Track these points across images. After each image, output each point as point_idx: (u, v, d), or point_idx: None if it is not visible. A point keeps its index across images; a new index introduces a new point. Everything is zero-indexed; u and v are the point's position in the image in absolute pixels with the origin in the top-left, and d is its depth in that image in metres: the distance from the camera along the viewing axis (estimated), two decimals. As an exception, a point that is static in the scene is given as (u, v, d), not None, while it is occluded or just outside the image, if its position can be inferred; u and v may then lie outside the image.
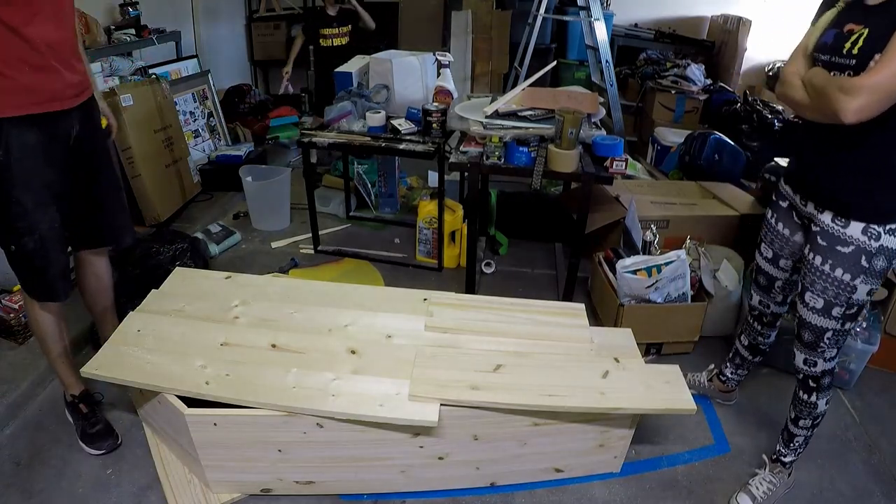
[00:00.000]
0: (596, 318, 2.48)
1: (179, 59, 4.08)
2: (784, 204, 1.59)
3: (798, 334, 1.56)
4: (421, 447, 1.60)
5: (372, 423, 1.50)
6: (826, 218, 1.41)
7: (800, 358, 1.58)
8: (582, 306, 1.97)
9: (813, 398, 1.60)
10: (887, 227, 1.34)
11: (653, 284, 2.16)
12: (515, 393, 1.54)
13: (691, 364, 2.23)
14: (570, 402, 1.54)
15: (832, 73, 1.28)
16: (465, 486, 1.73)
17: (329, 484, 1.68)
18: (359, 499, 1.71)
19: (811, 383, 1.58)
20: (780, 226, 1.61)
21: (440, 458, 1.64)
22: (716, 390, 2.10)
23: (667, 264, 2.15)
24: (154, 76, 3.40)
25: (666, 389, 1.63)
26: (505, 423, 1.59)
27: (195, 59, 4.27)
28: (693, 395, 2.05)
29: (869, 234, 1.34)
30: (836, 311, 1.45)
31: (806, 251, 1.49)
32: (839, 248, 1.39)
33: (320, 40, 4.21)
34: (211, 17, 4.79)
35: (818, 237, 1.43)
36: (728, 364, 2.04)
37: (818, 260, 1.43)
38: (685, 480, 1.81)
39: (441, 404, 1.50)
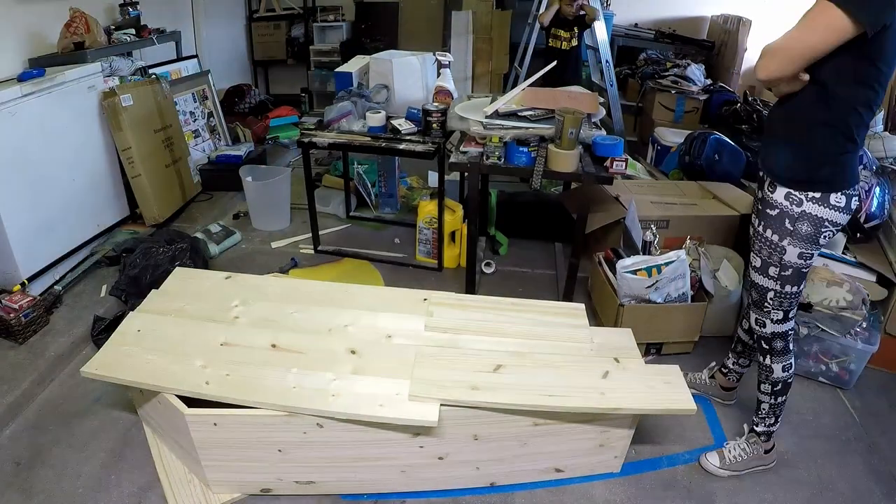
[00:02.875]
0: (596, 318, 2.48)
1: (179, 59, 4.08)
2: (761, 175, 1.71)
3: (749, 294, 1.70)
4: (421, 447, 1.60)
5: (372, 423, 1.50)
6: (766, 184, 1.56)
7: (752, 318, 1.70)
8: (582, 306, 1.97)
9: (767, 361, 1.71)
10: (809, 195, 1.46)
11: (653, 284, 2.16)
12: (515, 393, 1.54)
13: (691, 364, 2.23)
14: (570, 403, 1.54)
15: None
16: (465, 486, 1.73)
17: (329, 484, 1.68)
18: (359, 499, 1.71)
19: (764, 344, 1.70)
20: (759, 194, 1.71)
21: (440, 458, 1.64)
22: (717, 387, 2.11)
23: (667, 264, 2.15)
24: (154, 76, 3.40)
25: (666, 389, 1.63)
26: (505, 423, 1.59)
27: (195, 59, 4.27)
28: (693, 394, 2.05)
29: (790, 199, 1.48)
30: (772, 271, 1.58)
31: None
32: (768, 210, 1.54)
33: (550, 40, 3.86)
34: (211, 17, 4.78)
35: (759, 202, 1.60)
36: (730, 354, 2.06)
37: (756, 221, 1.60)
38: (685, 480, 1.81)
39: (441, 404, 1.50)
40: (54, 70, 2.71)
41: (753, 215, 1.73)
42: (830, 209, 1.45)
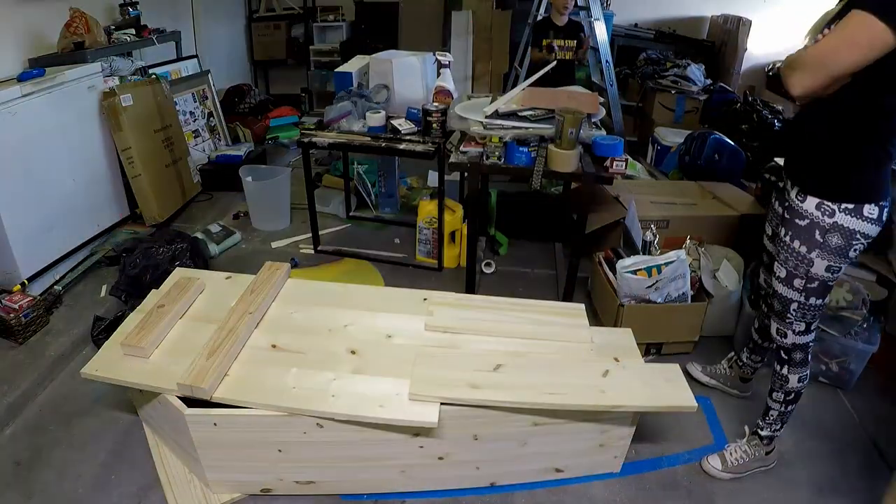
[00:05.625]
0: (596, 318, 2.48)
1: (179, 59, 4.08)
2: (781, 184, 1.68)
3: (770, 304, 1.67)
4: (421, 447, 1.60)
5: (372, 423, 1.50)
6: (793, 193, 1.50)
7: (773, 327, 1.66)
8: (582, 306, 1.97)
9: (784, 371, 1.68)
10: (841, 206, 1.40)
11: (653, 284, 2.16)
12: (515, 391, 1.54)
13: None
14: (570, 400, 1.54)
15: None
16: (465, 486, 1.73)
17: (329, 484, 1.68)
18: (359, 499, 1.71)
19: (783, 355, 1.67)
20: (776, 204, 1.69)
21: (440, 458, 1.64)
22: (735, 378, 2.13)
23: (667, 264, 2.15)
24: (154, 76, 3.40)
25: (666, 387, 1.63)
26: (505, 423, 1.59)
27: (195, 59, 4.27)
28: (712, 385, 2.11)
29: (822, 209, 1.42)
30: (797, 283, 1.53)
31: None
32: (797, 220, 1.48)
33: (544, 52, 3.63)
34: (211, 17, 4.78)
35: (786, 211, 1.54)
36: (744, 349, 2.07)
37: (783, 231, 1.54)
38: (685, 480, 1.81)
39: (441, 403, 1.50)
40: (54, 70, 2.71)
41: (773, 224, 1.69)
42: (863, 221, 1.39)
